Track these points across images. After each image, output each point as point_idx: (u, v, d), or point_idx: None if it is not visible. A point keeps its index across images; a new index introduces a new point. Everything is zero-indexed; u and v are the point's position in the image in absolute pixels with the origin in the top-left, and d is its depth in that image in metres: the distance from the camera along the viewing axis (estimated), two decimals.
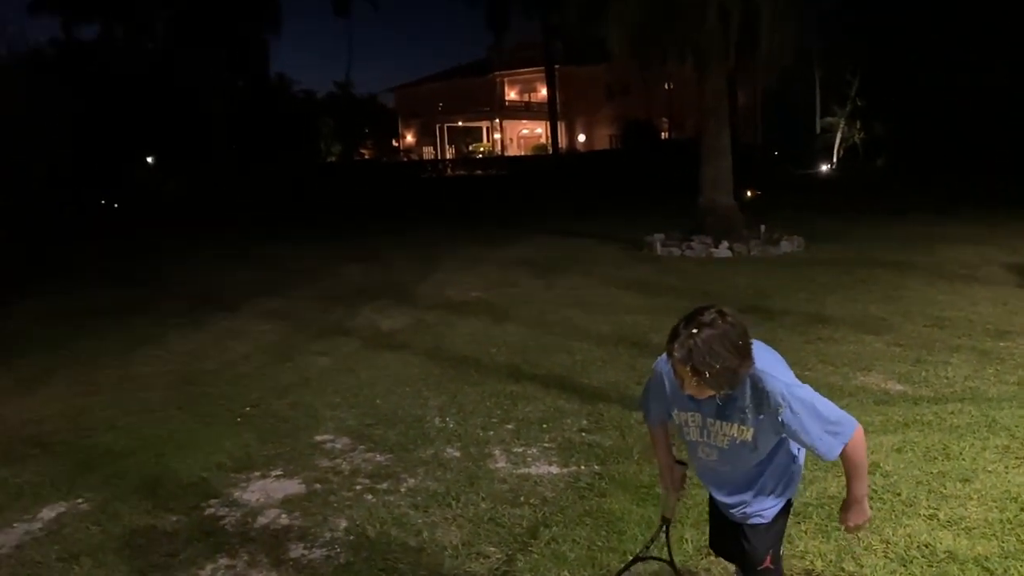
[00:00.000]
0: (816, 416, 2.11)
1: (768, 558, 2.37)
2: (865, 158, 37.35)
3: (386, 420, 5.31)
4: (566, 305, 8.73)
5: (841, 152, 39.72)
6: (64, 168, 19.63)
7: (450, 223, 15.14)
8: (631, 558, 2.91)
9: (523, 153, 45.14)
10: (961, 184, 18.92)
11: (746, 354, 2.06)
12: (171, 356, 7.16)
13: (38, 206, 13.45)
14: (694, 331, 2.02)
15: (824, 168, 38.25)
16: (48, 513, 4.08)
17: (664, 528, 2.61)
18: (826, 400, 2.17)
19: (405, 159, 45.17)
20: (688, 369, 2.04)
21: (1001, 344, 6.56)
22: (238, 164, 24.26)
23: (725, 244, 12.09)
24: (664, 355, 2.21)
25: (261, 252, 12.56)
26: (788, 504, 2.41)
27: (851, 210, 16.09)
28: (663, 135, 39.78)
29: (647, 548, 2.71)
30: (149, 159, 26.14)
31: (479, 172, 29.74)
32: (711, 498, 2.53)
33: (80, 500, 4.20)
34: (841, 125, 39.40)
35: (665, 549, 2.66)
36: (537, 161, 33.70)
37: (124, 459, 4.73)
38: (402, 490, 4.27)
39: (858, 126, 38.76)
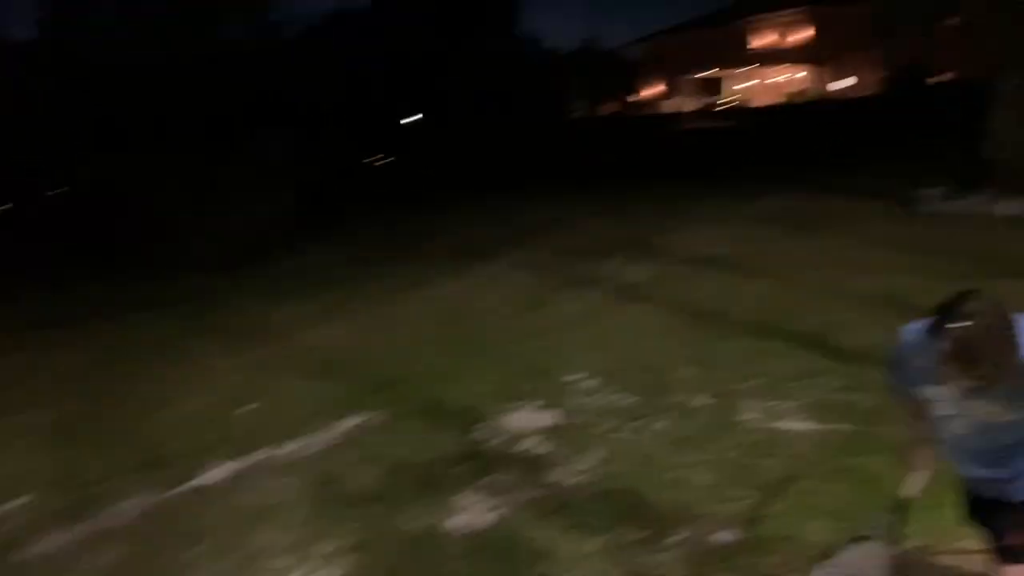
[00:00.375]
0: None
1: None
2: None
3: (634, 366, 5.49)
4: (821, 263, 8.31)
5: None
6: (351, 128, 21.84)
7: (693, 177, 14.86)
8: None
9: (775, 102, 42.75)
10: None
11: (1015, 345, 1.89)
12: (438, 298, 7.87)
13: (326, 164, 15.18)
14: (959, 324, 1.87)
15: None
16: (347, 423, 4.76)
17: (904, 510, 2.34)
18: None
19: (648, 113, 44.66)
20: (955, 361, 1.89)
21: None
22: (489, 122, 25.47)
23: (1014, 201, 10.69)
24: (912, 326, 2.10)
25: (506, 206, 13.21)
26: None
27: None
28: (936, 79, 35.70)
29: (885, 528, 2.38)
30: (414, 118, 28.26)
31: (726, 124, 28.76)
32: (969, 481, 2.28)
33: (369, 416, 4.85)
34: None
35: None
36: (790, 110, 31.82)
37: (402, 384, 5.35)
38: (652, 430, 4.44)
39: None
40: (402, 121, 27.70)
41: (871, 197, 11.80)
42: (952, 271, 7.73)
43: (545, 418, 4.71)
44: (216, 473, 4.34)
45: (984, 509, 2.25)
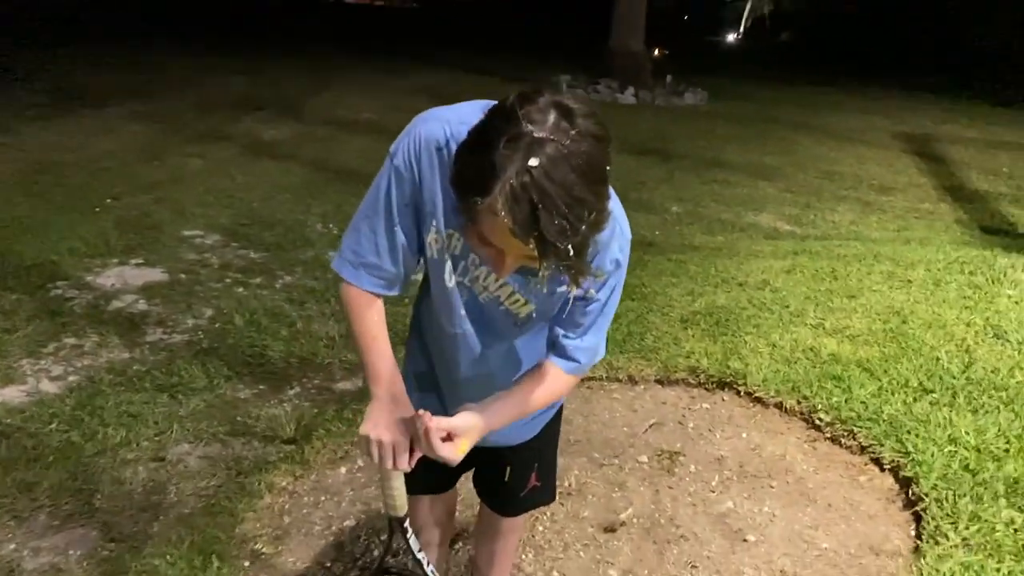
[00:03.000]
0: (609, 313, 1.37)
1: (534, 474, 1.68)
2: (772, 32, 37.33)
3: (263, 222, 4.93)
4: None
5: (749, 23, 39.52)
6: None
7: (348, 49, 14.13)
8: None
9: None
10: (862, 59, 19.26)
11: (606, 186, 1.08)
12: (24, 145, 6.39)
13: None
14: (532, 161, 0.99)
15: (731, 37, 38.05)
16: None
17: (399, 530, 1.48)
18: None
19: None
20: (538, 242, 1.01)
21: (884, 198, 6.75)
22: None
23: (631, 90, 11.82)
24: (400, 145, 1.25)
25: (135, 55, 11.37)
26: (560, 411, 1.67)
27: (752, 75, 16.09)
28: None
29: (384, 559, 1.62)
30: None
31: (381, 2, 27.95)
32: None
33: None
34: None
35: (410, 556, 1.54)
36: None
37: None
38: (276, 286, 3.98)
39: None
40: None
41: (515, 80, 12.21)
42: None
43: (151, 274, 3.98)
44: None
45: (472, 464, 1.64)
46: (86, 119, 7.45)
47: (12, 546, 2.11)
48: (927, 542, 2.10)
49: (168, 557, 2.06)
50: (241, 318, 3.52)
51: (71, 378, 2.96)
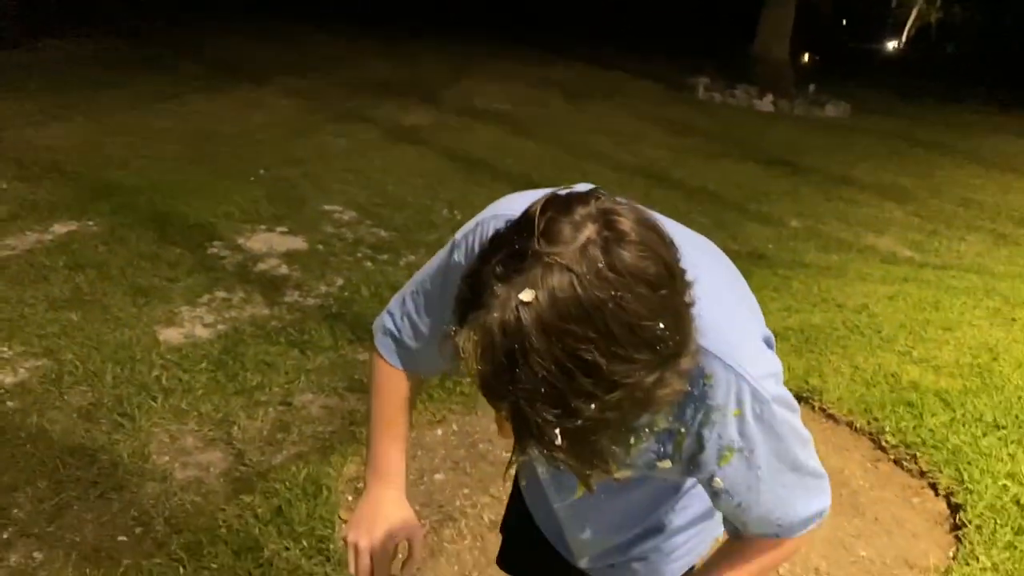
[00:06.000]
0: (794, 470, 0.96)
1: None
2: (937, 41, 35.23)
3: (394, 203, 5.37)
4: (590, 130, 8.56)
5: (913, 31, 37.44)
6: None
7: (490, 36, 14.57)
8: None
9: None
10: None
11: (686, 321, 0.75)
12: (189, 114, 7.14)
13: None
14: (524, 295, 0.69)
15: (891, 45, 36.21)
16: (60, 228, 4.21)
17: None
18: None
19: None
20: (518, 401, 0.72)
21: (1022, 231, 6.49)
22: None
23: (769, 98, 11.65)
24: (464, 234, 1.04)
25: (289, 32, 12.23)
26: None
27: (905, 88, 15.41)
28: None
29: None
30: None
31: None
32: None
33: (91, 222, 4.33)
34: (919, 1, 36.87)
35: None
36: None
37: (136, 195, 4.82)
38: (401, 263, 4.38)
39: (937, 5, 36.26)
40: None
41: (651, 77, 12.29)
42: (708, 150, 8.33)
43: (293, 242, 4.48)
44: None
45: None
46: (243, 92, 8.17)
47: (166, 457, 2.57)
48: (959, 562, 2.22)
49: (286, 483, 2.45)
50: (367, 290, 3.93)
51: (219, 327, 3.44)
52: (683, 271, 0.74)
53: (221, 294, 3.74)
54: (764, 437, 0.89)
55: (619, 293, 0.68)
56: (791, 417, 0.92)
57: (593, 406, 0.69)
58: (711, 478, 0.93)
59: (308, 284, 3.97)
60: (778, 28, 12.54)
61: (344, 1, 14.76)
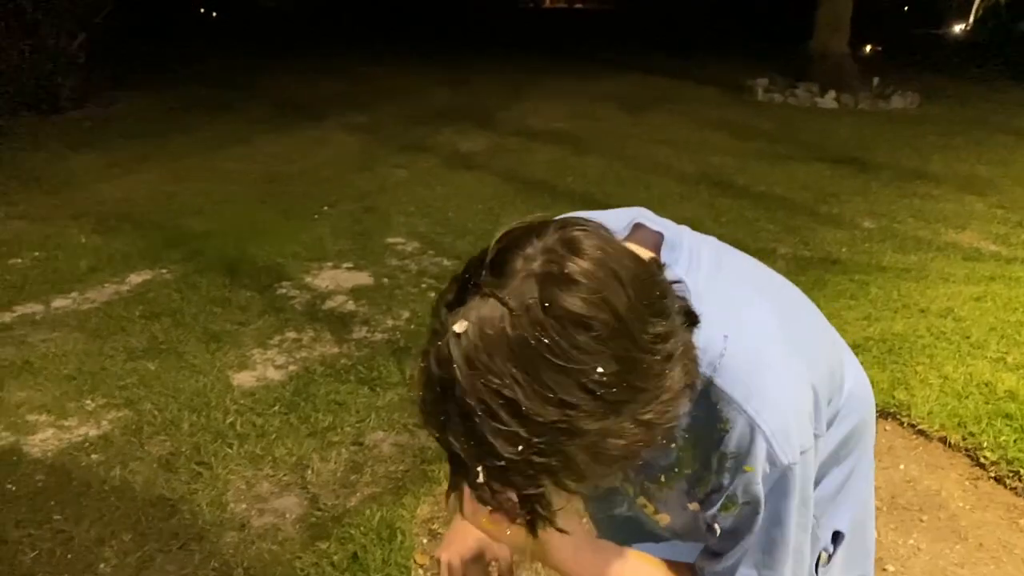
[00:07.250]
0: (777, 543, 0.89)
1: None
2: (1009, 19, 33.75)
3: (456, 231, 5.38)
4: (650, 141, 8.46)
5: (980, 11, 35.99)
6: None
7: (543, 55, 14.61)
8: None
9: None
10: None
11: (642, 369, 0.70)
12: (256, 156, 7.33)
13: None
14: (458, 326, 0.69)
15: (958, 28, 34.89)
16: (135, 278, 4.36)
17: None
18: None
19: None
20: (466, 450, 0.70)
21: None
22: None
23: (832, 94, 11.32)
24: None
25: (349, 66, 12.50)
26: None
27: (977, 73, 14.79)
28: None
29: None
30: None
31: (580, 5, 28.39)
32: None
33: (164, 271, 4.47)
34: None
35: None
36: None
37: (206, 240, 4.96)
38: None
39: None
40: None
41: (707, 83, 12.12)
42: (772, 152, 8.12)
43: (359, 278, 4.53)
44: None
45: None
46: (307, 131, 8.36)
47: (244, 505, 2.60)
48: None
49: (361, 528, 2.45)
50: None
51: (291, 368, 3.49)
52: (653, 318, 0.69)
53: (291, 334, 3.80)
54: (758, 516, 0.86)
55: (550, 334, 0.65)
56: (803, 484, 0.86)
57: (520, 447, 0.66)
58: (712, 519, 0.90)
59: (375, 319, 4.00)
60: (836, 21, 12.21)
61: (398, 32, 15.06)
